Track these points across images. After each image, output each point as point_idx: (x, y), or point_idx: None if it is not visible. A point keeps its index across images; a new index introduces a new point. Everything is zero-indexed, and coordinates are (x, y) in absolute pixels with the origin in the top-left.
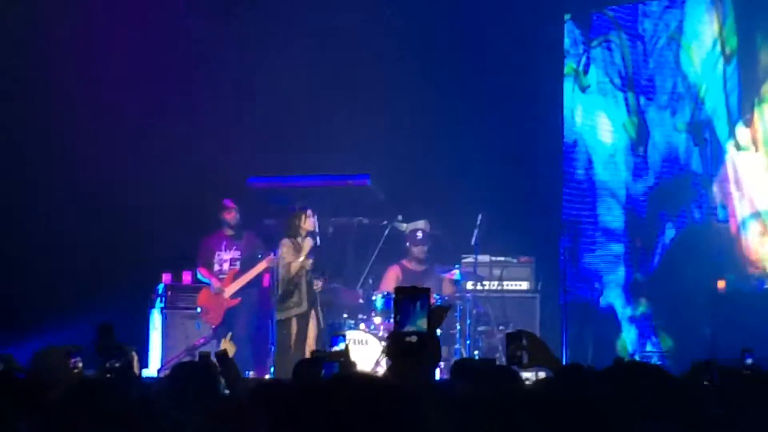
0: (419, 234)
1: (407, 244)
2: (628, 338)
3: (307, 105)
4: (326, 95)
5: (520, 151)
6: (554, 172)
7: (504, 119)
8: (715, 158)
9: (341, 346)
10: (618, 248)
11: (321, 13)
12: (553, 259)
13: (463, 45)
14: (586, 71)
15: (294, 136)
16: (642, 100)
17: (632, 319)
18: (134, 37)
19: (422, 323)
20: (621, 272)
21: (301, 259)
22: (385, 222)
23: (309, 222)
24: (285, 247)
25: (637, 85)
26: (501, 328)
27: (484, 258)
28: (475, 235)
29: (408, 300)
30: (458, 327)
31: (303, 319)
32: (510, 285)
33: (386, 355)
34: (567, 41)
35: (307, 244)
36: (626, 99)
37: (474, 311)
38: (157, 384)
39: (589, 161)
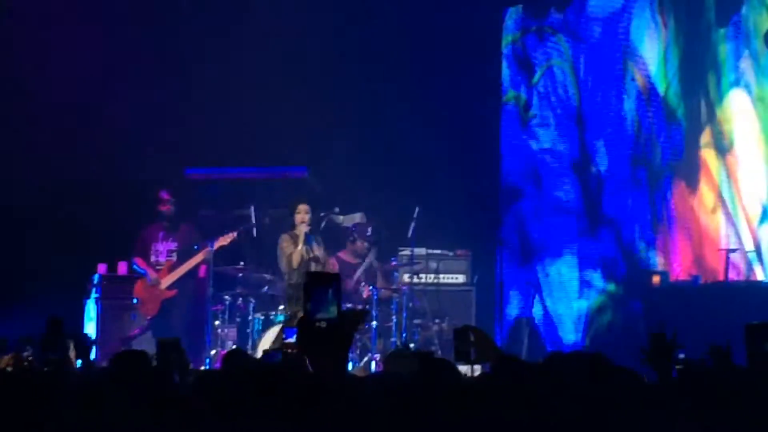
0: (369, 230)
1: (353, 236)
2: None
3: (246, 96)
4: (265, 86)
5: (458, 144)
6: (492, 165)
7: (441, 112)
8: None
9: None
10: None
11: (261, 6)
12: (489, 252)
13: (402, 37)
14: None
15: (232, 128)
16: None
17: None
18: (68, 25)
19: (333, 309)
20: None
21: (300, 246)
22: (322, 214)
23: (302, 214)
24: (284, 242)
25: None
26: (437, 321)
27: (420, 251)
28: (412, 228)
29: (319, 286)
30: (394, 320)
31: None
32: (446, 278)
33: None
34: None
35: (302, 231)
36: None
37: (410, 304)
38: (98, 374)
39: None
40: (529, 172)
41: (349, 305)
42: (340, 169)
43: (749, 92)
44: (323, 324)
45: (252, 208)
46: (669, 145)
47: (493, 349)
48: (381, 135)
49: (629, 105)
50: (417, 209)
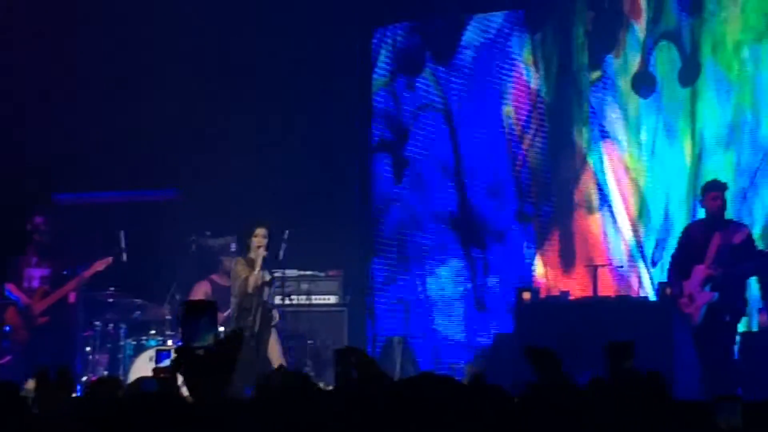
0: (232, 246)
1: (219, 258)
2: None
3: (113, 118)
4: (132, 107)
5: (328, 165)
6: (363, 185)
7: (310, 133)
8: None
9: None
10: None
11: (123, 23)
12: (361, 272)
13: (268, 56)
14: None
15: (100, 151)
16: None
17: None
18: None
19: (209, 337)
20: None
21: (256, 271)
22: (193, 237)
23: (259, 237)
24: (239, 265)
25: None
26: (309, 342)
27: (292, 272)
28: (283, 249)
29: (194, 314)
30: None
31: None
32: (318, 299)
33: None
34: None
35: (259, 255)
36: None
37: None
38: None
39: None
40: (406, 182)
41: (222, 329)
42: (210, 191)
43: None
44: (201, 352)
45: (122, 233)
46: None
47: (375, 370)
48: (250, 156)
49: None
50: (287, 231)
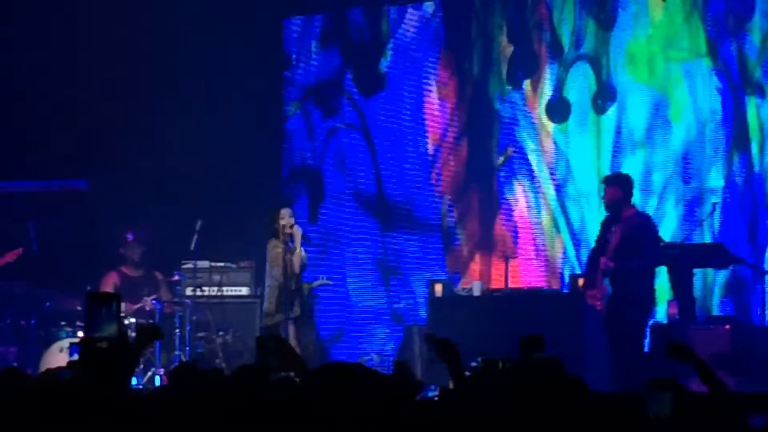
0: (129, 236)
1: (122, 249)
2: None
3: (23, 107)
4: (42, 97)
5: (240, 157)
6: (275, 175)
7: (222, 123)
8: None
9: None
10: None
11: (35, 12)
12: None
13: (183, 46)
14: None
15: (9, 140)
16: None
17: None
18: None
19: (112, 329)
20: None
21: (298, 250)
22: (103, 227)
23: (286, 218)
24: (276, 248)
25: None
26: (221, 333)
27: (203, 263)
28: (195, 240)
29: (97, 305)
30: (178, 333)
31: (300, 324)
32: (230, 290)
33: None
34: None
35: (296, 234)
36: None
37: (194, 317)
38: None
39: None
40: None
41: (132, 320)
42: (122, 182)
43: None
44: (104, 344)
45: (32, 224)
46: None
47: (296, 358)
48: (162, 147)
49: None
50: (199, 222)
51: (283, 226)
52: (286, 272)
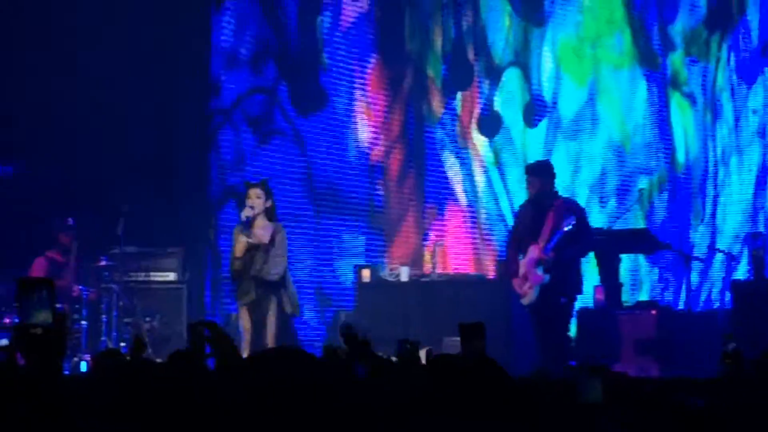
0: (57, 222)
1: (59, 233)
2: None
3: None
4: None
5: (168, 140)
6: (202, 162)
7: (150, 106)
8: None
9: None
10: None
11: None
12: (201, 249)
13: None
14: None
15: None
16: None
17: None
18: None
19: (46, 315)
20: None
21: (249, 233)
22: (29, 214)
23: (252, 198)
24: (234, 231)
25: None
26: (147, 319)
27: (130, 249)
28: (121, 226)
29: (29, 292)
30: (104, 319)
31: (257, 308)
32: (157, 276)
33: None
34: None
35: (254, 216)
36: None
37: (120, 303)
38: None
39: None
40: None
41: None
42: (48, 168)
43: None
44: (39, 331)
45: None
46: None
47: (229, 346)
48: (88, 132)
49: None
50: (126, 207)
51: (246, 203)
52: (233, 256)
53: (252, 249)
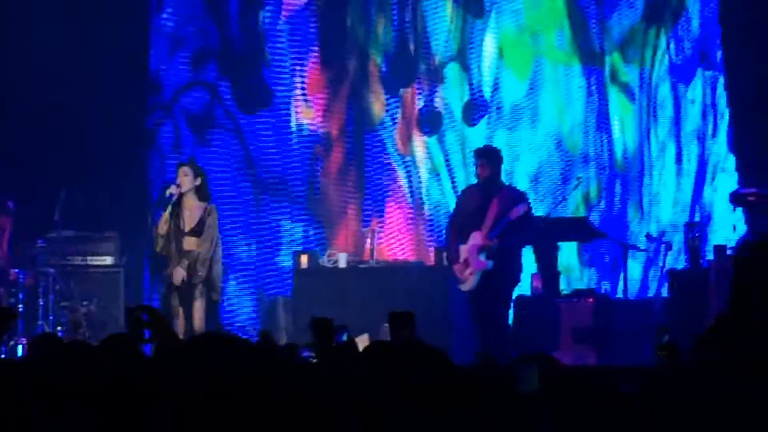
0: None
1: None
2: None
3: None
4: None
5: (105, 123)
6: (143, 142)
7: (88, 84)
8: None
9: None
10: None
11: None
12: (138, 232)
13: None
14: None
15: None
16: None
17: None
18: None
19: None
20: None
21: (167, 216)
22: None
23: (180, 177)
24: (164, 211)
25: None
26: (85, 303)
27: (68, 233)
28: (58, 210)
29: None
30: (41, 303)
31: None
32: (94, 260)
33: None
34: None
35: (179, 195)
36: None
37: (57, 287)
38: None
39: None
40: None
41: None
42: None
43: None
44: None
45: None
46: None
47: (168, 330)
48: (24, 112)
49: None
50: (63, 191)
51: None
52: (156, 235)
53: (178, 233)
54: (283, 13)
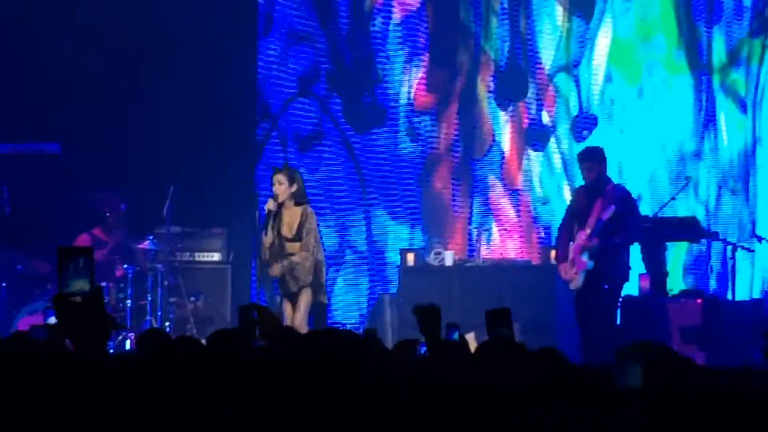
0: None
1: (105, 212)
2: None
3: None
4: (14, 58)
5: (214, 120)
6: (249, 142)
7: (197, 83)
8: None
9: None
10: None
11: None
12: (246, 230)
13: (156, 5)
14: None
15: None
16: None
17: None
18: None
19: (84, 284)
20: None
21: (270, 230)
22: (75, 191)
23: (276, 185)
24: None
25: None
26: (192, 299)
27: (176, 229)
28: (167, 206)
29: (68, 260)
30: (149, 298)
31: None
32: (202, 256)
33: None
34: None
35: (268, 206)
36: None
37: (166, 282)
38: None
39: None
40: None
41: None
42: (94, 145)
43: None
44: (78, 299)
45: (4, 187)
46: None
47: (278, 327)
48: (135, 110)
49: None
50: (172, 187)
51: None
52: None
53: (281, 239)
54: (394, 18)
